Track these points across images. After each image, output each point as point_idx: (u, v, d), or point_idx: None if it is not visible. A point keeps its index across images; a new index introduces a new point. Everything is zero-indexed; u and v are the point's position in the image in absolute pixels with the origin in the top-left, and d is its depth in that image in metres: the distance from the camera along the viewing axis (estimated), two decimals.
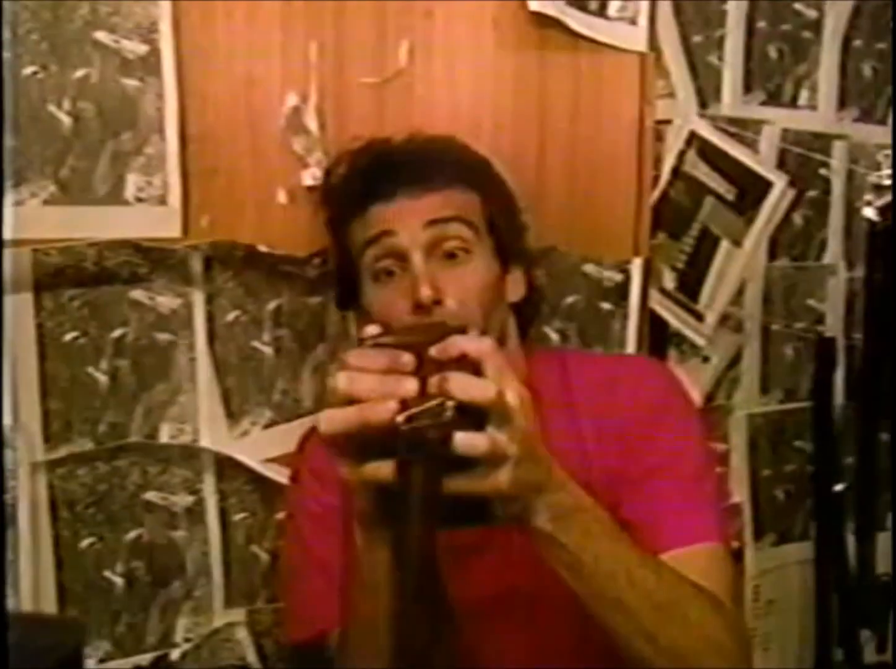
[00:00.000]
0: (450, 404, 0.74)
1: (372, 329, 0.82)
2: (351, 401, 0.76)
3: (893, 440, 1.74)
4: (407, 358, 0.77)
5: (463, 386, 0.75)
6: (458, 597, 0.95)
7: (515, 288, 1.19)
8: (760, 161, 1.63)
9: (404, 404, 0.74)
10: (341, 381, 0.77)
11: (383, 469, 0.76)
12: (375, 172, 1.15)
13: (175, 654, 1.33)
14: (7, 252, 1.15)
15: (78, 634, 0.84)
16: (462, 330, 0.82)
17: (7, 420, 1.19)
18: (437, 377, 0.75)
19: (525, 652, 1.10)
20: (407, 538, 0.76)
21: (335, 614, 1.03)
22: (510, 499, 0.82)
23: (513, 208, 1.24)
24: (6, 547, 1.17)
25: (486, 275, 1.11)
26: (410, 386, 0.75)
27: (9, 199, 1.16)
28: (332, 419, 0.77)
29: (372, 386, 0.76)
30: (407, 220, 1.09)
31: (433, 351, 0.78)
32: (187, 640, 1.34)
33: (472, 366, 0.78)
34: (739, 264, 1.63)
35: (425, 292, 1.04)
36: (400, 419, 0.73)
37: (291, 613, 1.21)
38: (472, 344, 0.79)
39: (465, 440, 0.75)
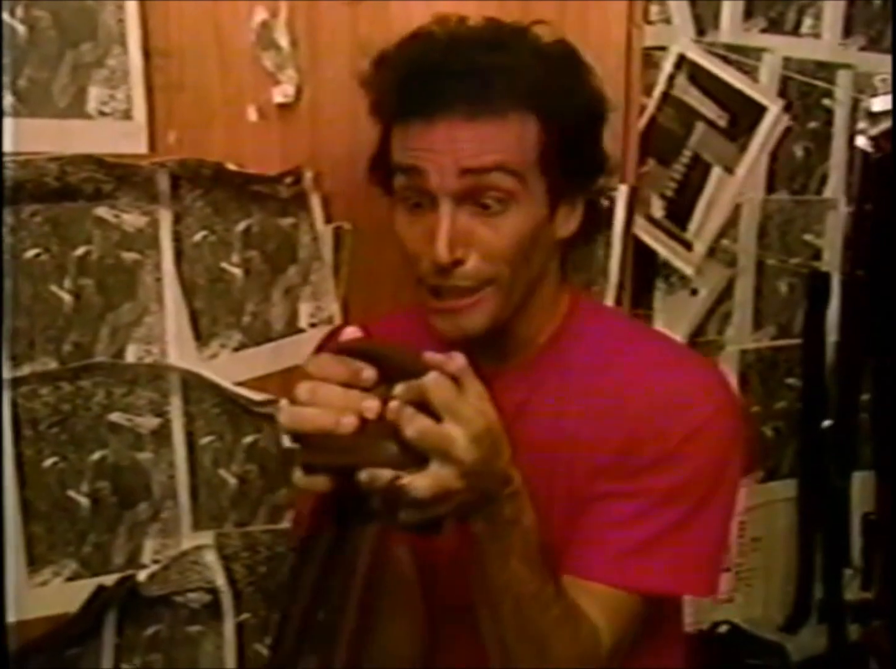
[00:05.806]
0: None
1: (351, 331, 0.85)
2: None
3: (875, 378, 1.72)
4: (368, 373, 0.81)
5: (412, 423, 0.78)
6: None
7: (567, 223, 1.05)
8: (759, 89, 1.58)
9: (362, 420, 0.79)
10: (303, 393, 0.80)
11: (320, 482, 0.80)
12: (418, 78, 0.97)
13: (142, 575, 1.33)
14: None
15: None
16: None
17: None
18: (393, 406, 0.79)
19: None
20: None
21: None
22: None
23: (584, 126, 1.03)
24: None
25: (526, 225, 0.98)
26: (372, 406, 0.79)
27: None
28: (296, 417, 0.80)
29: (334, 399, 0.79)
30: (441, 160, 0.95)
31: (397, 390, 0.80)
32: (155, 561, 1.34)
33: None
34: (731, 191, 1.59)
35: (443, 256, 0.95)
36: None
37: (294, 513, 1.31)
38: (430, 383, 0.79)
39: (410, 483, 0.78)
